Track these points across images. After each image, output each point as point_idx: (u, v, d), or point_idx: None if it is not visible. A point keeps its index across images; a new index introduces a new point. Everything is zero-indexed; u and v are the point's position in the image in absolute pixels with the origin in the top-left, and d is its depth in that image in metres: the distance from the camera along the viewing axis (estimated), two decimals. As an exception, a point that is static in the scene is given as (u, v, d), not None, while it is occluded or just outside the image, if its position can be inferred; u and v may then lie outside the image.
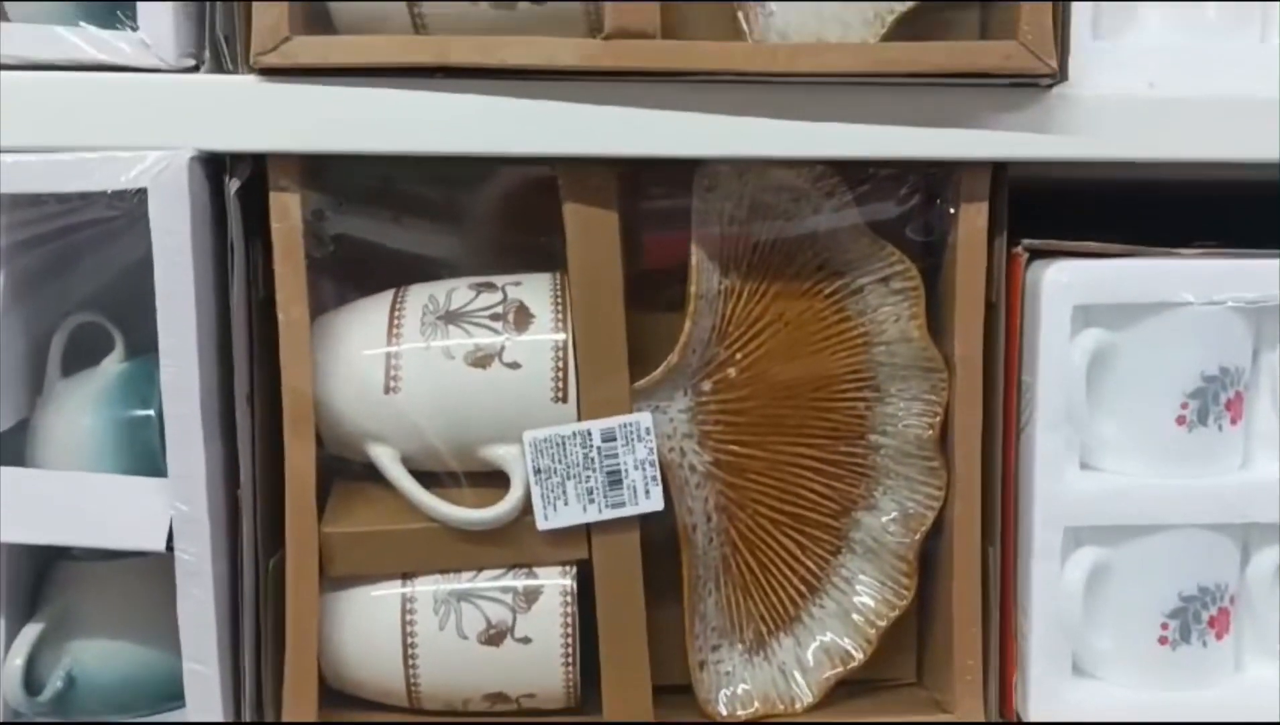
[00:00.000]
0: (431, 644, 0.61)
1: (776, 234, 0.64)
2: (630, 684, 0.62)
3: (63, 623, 0.63)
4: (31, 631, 0.61)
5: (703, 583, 0.65)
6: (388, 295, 0.63)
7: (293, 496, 0.60)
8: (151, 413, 0.62)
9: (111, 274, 0.65)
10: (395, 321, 0.62)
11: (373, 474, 0.63)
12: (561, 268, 0.63)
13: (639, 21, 0.57)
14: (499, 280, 0.64)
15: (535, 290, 0.63)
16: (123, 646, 0.64)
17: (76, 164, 0.56)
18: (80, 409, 0.63)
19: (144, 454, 0.62)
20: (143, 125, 0.57)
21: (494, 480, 0.62)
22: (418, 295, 0.63)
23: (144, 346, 0.65)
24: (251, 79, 0.57)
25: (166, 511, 0.58)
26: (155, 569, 0.64)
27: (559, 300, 0.62)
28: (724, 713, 0.65)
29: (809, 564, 0.66)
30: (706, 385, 0.65)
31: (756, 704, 0.65)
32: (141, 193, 0.56)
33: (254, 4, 0.56)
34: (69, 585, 0.64)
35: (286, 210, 0.59)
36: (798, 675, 0.65)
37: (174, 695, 0.62)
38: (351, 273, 0.66)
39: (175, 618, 0.63)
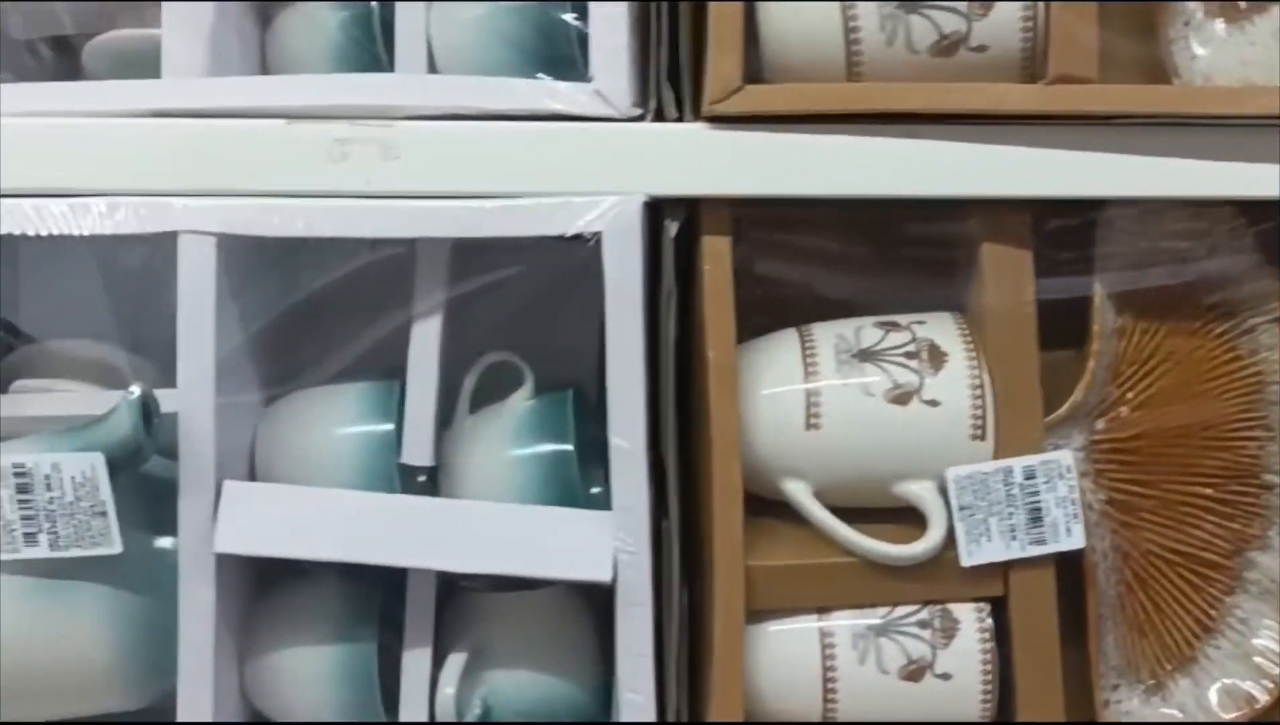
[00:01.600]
0: (852, 679, 0.61)
1: (1172, 273, 0.65)
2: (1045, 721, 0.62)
3: (478, 652, 0.65)
4: (457, 661, 0.63)
5: (1102, 621, 0.65)
6: (791, 333, 0.65)
7: (721, 532, 0.61)
8: (570, 447, 0.64)
9: (515, 315, 0.67)
10: (809, 359, 0.63)
11: (774, 509, 0.64)
12: (953, 307, 0.65)
13: (1081, 68, 0.58)
14: (902, 319, 0.64)
15: (942, 329, 0.64)
16: (531, 675, 0.65)
17: (536, 209, 0.58)
18: (499, 443, 0.64)
19: (564, 488, 0.63)
20: (595, 172, 0.59)
21: (888, 516, 0.63)
22: (825, 333, 0.64)
23: (543, 384, 0.67)
24: (699, 126, 0.59)
25: (608, 543, 0.60)
26: (549, 600, 0.66)
27: (968, 339, 0.63)
28: (1127, 754, 0.65)
29: (1202, 604, 0.66)
30: (1100, 423, 0.65)
31: (1158, 746, 0.65)
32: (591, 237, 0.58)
33: (709, 53, 0.58)
34: (479, 616, 0.66)
35: (719, 254, 0.61)
36: (1200, 718, 0.65)
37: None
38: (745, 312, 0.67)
39: (569, 647, 0.65)
